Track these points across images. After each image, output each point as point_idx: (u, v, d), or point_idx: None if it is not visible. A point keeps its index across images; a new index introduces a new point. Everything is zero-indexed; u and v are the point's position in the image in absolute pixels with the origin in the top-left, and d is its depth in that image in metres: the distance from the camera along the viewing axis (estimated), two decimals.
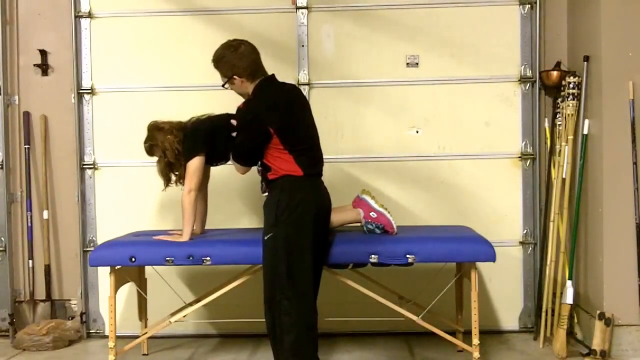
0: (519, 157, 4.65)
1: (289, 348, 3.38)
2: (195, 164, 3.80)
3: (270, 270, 3.42)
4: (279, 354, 3.45)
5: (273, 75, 3.65)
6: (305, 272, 3.42)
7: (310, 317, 3.44)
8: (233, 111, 4.01)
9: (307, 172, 3.50)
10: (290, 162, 3.48)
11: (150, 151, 4.00)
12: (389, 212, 3.82)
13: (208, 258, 3.70)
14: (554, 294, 4.37)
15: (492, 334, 4.56)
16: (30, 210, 4.78)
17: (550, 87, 4.53)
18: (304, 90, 4.58)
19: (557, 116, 4.46)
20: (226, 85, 3.66)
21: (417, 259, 3.65)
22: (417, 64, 4.65)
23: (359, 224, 3.86)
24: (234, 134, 3.73)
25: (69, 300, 4.82)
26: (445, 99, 4.65)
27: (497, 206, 4.64)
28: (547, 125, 4.58)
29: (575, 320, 4.39)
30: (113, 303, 3.80)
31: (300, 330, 3.39)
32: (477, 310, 3.71)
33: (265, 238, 3.44)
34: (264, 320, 3.50)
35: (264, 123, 3.47)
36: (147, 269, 4.27)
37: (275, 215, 3.42)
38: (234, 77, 3.57)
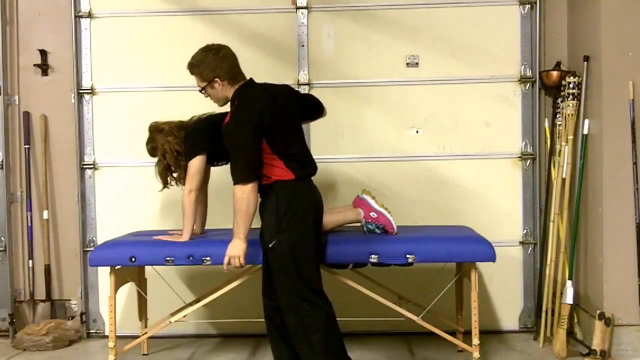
0: (519, 157, 4.65)
1: (319, 346, 3.36)
2: (196, 165, 3.79)
3: (283, 276, 3.38)
4: (308, 356, 3.39)
5: (252, 79, 3.55)
6: (316, 272, 3.44)
7: (332, 312, 3.44)
8: None
9: (298, 175, 3.46)
10: (281, 167, 3.42)
11: (152, 153, 4.01)
12: (389, 212, 3.82)
13: (208, 258, 3.70)
14: (554, 294, 4.37)
15: (492, 334, 4.56)
16: (30, 210, 4.78)
17: (550, 87, 4.53)
18: (305, 90, 4.59)
19: (557, 116, 4.46)
20: (203, 91, 3.53)
21: (417, 259, 3.65)
22: (417, 64, 4.65)
23: (359, 224, 3.86)
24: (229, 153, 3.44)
25: (69, 300, 4.82)
26: (445, 99, 4.65)
27: (497, 206, 4.64)
28: (547, 125, 4.58)
29: (575, 320, 4.39)
30: (113, 303, 3.80)
31: (327, 327, 3.39)
32: (477, 310, 3.71)
33: (270, 246, 3.39)
34: (263, 320, 3.51)
35: (256, 130, 3.35)
36: (147, 269, 4.27)
37: (277, 222, 3.38)
38: (216, 79, 3.45)
